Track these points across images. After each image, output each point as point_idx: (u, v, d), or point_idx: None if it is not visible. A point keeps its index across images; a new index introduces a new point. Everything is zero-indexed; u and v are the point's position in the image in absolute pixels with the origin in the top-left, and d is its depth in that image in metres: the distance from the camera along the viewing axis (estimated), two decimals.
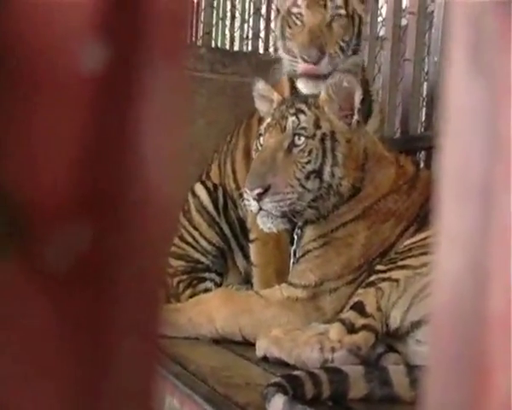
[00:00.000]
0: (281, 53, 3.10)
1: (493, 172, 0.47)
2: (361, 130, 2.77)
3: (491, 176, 0.47)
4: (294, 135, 2.69)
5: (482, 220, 0.48)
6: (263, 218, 2.64)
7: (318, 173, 2.67)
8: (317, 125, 2.71)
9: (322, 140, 2.69)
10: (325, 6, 3.03)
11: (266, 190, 2.59)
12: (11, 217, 0.51)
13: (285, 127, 2.70)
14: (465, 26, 0.50)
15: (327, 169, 2.67)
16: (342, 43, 3.00)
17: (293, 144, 2.69)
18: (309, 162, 2.66)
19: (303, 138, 2.68)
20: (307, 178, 2.65)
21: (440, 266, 0.50)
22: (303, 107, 2.74)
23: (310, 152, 2.67)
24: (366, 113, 3.09)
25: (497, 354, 0.50)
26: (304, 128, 2.69)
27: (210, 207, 3.37)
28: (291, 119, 2.71)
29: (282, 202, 2.61)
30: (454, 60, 0.51)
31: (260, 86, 2.96)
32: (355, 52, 3.07)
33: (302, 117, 2.71)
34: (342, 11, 3.03)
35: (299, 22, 3.04)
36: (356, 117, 2.73)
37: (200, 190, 3.41)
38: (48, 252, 0.51)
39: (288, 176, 2.64)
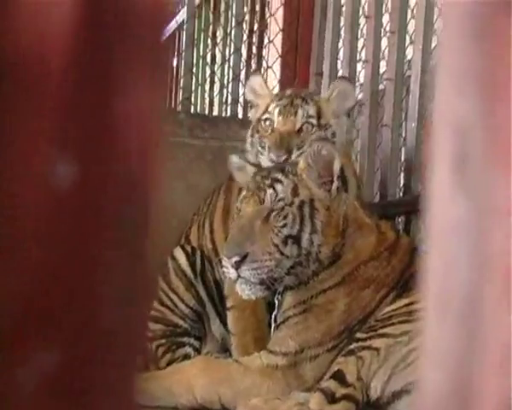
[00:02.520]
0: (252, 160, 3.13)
1: (478, 289, 0.46)
2: (341, 196, 2.77)
3: (475, 293, 0.46)
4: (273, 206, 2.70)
5: (466, 339, 0.47)
6: (241, 285, 2.63)
7: (296, 239, 2.66)
8: (296, 193, 2.71)
9: (301, 207, 2.69)
10: (295, 114, 3.09)
11: (244, 258, 2.59)
12: None
13: (263, 200, 2.71)
14: (450, 138, 0.50)
15: (305, 236, 2.67)
16: None
17: (271, 212, 2.69)
18: (285, 226, 2.66)
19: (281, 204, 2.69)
20: (285, 243, 2.65)
21: (424, 385, 0.49)
22: (279, 176, 2.74)
23: (285, 216, 2.67)
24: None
25: None
26: (282, 199, 2.70)
27: (188, 271, 3.35)
28: (269, 192, 2.71)
29: (260, 269, 2.60)
30: (438, 172, 0.51)
31: (235, 160, 2.99)
32: None
33: (279, 187, 2.71)
34: (313, 121, 3.09)
35: (269, 129, 3.10)
36: (336, 184, 2.73)
37: (179, 253, 3.39)
38: (18, 371, 0.50)
39: (265, 243, 2.63)
